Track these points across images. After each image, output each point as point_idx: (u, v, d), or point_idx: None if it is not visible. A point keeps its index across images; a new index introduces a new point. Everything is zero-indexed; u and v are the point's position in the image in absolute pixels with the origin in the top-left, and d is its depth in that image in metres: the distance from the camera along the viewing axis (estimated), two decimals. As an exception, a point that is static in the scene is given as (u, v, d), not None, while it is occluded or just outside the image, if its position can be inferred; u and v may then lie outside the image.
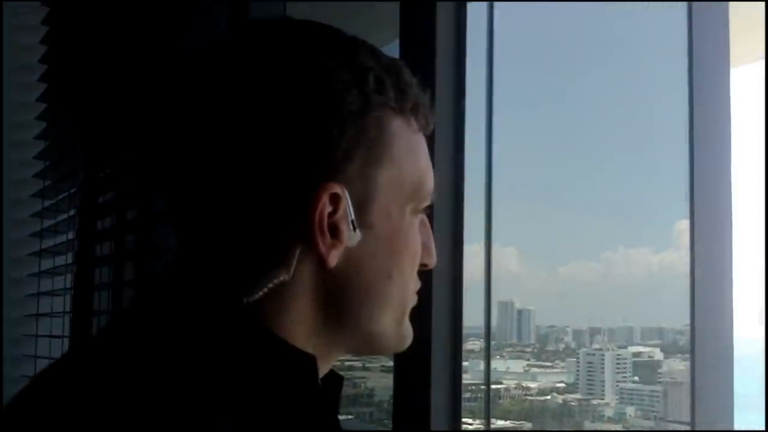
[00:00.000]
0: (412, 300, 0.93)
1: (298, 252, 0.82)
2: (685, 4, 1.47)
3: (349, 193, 0.82)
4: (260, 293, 0.82)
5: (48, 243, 2.85)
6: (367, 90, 0.84)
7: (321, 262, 0.83)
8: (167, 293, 0.88)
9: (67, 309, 2.69)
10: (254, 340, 0.81)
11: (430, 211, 0.94)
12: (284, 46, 0.85)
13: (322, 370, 0.88)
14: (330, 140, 0.81)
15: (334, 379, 0.93)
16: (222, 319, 0.81)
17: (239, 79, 0.84)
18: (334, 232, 0.83)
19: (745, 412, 1.69)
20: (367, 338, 0.89)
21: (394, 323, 0.90)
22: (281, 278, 0.82)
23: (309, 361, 0.83)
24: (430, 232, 0.94)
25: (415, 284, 0.93)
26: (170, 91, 0.90)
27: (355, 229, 0.83)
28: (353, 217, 0.83)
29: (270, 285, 0.82)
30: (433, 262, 0.94)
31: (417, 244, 0.90)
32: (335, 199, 0.82)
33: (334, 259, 0.83)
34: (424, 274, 0.96)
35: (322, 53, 0.84)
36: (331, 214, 0.82)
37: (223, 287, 0.83)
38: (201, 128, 0.85)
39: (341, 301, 0.86)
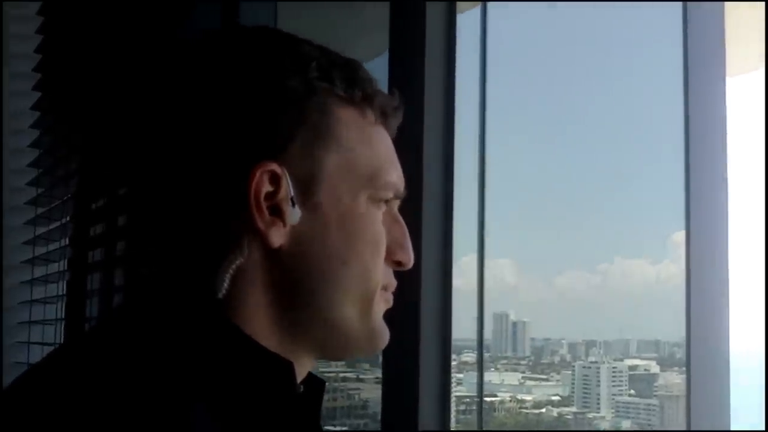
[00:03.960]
0: (381, 295, 0.91)
1: (246, 234, 0.84)
2: (679, 6, 1.46)
3: (291, 173, 0.84)
4: (226, 284, 0.83)
5: (40, 250, 2.85)
6: (310, 77, 0.86)
7: (266, 243, 0.84)
8: (147, 295, 0.89)
9: (60, 316, 2.69)
10: (225, 343, 0.82)
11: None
12: (230, 44, 0.89)
13: (300, 372, 0.87)
14: (269, 122, 0.84)
15: (316, 383, 0.92)
16: (196, 322, 0.82)
17: (183, 70, 0.89)
18: (277, 211, 0.84)
19: (742, 427, 1.67)
20: (330, 329, 0.88)
21: (357, 314, 0.89)
22: (237, 262, 0.84)
23: (285, 366, 0.83)
24: (405, 229, 0.94)
25: (383, 278, 0.91)
26: (140, 91, 0.94)
27: (294, 205, 0.84)
28: (292, 194, 0.84)
29: (230, 272, 0.83)
30: (407, 259, 0.93)
31: (376, 233, 0.90)
32: (275, 179, 0.84)
33: (277, 238, 0.84)
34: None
35: (266, 46, 0.88)
36: (274, 194, 0.84)
37: (192, 284, 0.84)
38: (152, 122, 0.89)
39: (296, 286, 0.86)
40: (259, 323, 0.84)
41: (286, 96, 0.84)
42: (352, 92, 0.89)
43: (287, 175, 0.84)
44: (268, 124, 0.84)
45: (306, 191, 0.85)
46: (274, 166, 0.83)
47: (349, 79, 0.88)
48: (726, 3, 1.43)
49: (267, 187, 0.83)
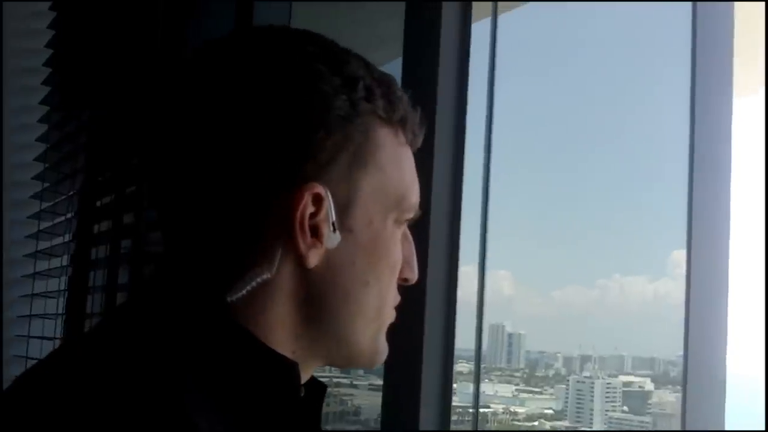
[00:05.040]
0: (390, 313, 0.93)
1: (280, 251, 0.83)
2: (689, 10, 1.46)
3: (332, 196, 0.84)
4: (244, 292, 0.83)
5: (44, 245, 2.85)
6: (356, 97, 0.85)
7: (301, 262, 0.84)
8: (152, 293, 0.89)
9: (60, 311, 2.68)
10: (233, 344, 0.82)
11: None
12: (276, 51, 0.86)
13: (303, 377, 0.88)
14: (315, 142, 0.83)
15: (317, 386, 0.93)
16: (202, 320, 0.82)
17: (228, 79, 0.85)
18: (315, 232, 0.84)
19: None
20: (343, 346, 0.90)
21: (370, 334, 0.90)
22: (264, 276, 0.83)
23: (290, 367, 0.83)
24: (413, 246, 0.95)
25: (393, 297, 0.93)
26: (163, 93, 0.91)
27: (335, 230, 0.84)
28: (334, 218, 0.84)
29: (253, 283, 0.83)
30: (414, 277, 0.95)
31: (397, 255, 0.91)
32: (318, 200, 0.83)
33: (313, 259, 0.84)
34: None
35: (313, 59, 0.85)
36: (314, 215, 0.83)
37: (206, 286, 0.84)
38: (188, 128, 0.86)
39: (319, 304, 0.86)
40: (276, 333, 0.85)
41: (333, 116, 0.83)
42: (392, 114, 0.89)
43: (330, 198, 0.83)
44: (314, 145, 0.82)
45: (343, 215, 0.85)
46: (320, 189, 0.83)
47: (388, 100, 0.88)
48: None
49: (309, 208, 0.83)
